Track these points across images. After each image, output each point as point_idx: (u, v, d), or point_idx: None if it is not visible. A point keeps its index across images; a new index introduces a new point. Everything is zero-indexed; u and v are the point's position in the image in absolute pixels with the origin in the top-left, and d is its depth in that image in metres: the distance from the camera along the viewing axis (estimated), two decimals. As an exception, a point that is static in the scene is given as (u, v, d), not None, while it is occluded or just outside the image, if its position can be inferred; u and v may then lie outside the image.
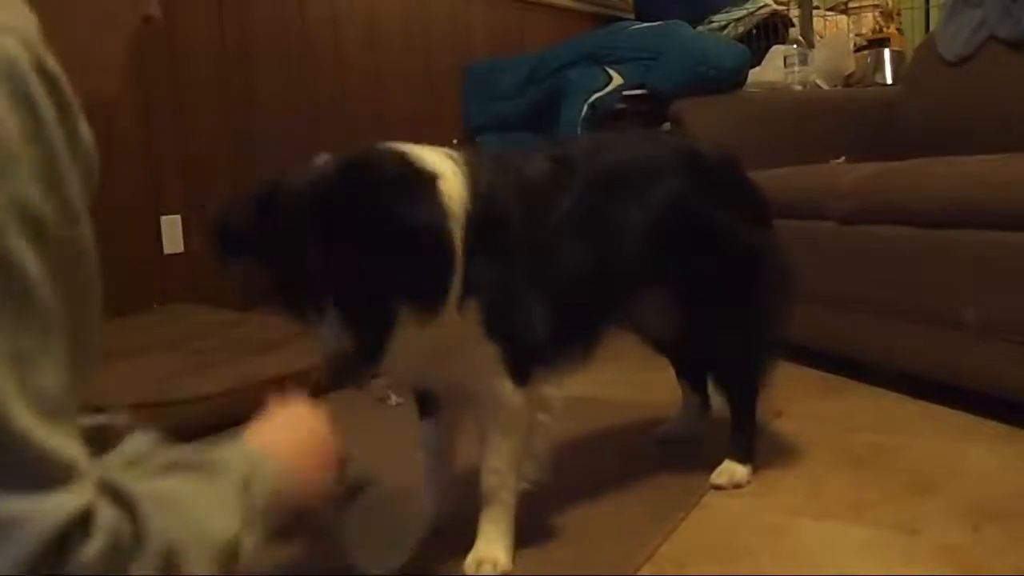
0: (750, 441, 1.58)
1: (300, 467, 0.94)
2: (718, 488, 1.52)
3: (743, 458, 1.56)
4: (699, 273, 1.48)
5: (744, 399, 1.58)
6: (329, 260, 1.05)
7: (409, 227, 1.05)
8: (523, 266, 1.25)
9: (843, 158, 2.68)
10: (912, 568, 1.23)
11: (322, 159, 1.11)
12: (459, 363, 1.23)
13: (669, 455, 1.71)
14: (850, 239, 2.13)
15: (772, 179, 2.52)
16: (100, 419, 0.92)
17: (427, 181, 1.09)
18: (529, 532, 1.35)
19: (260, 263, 1.11)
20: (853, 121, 2.99)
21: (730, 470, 1.54)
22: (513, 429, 1.27)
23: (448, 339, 1.17)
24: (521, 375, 1.25)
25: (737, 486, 1.52)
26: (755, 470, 1.57)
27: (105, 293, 0.71)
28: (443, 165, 1.16)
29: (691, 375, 1.75)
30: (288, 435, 0.97)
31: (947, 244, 1.86)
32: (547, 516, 1.43)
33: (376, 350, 1.10)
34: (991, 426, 1.78)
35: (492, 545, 1.26)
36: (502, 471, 1.27)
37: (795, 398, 2.04)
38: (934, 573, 1.21)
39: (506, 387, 1.24)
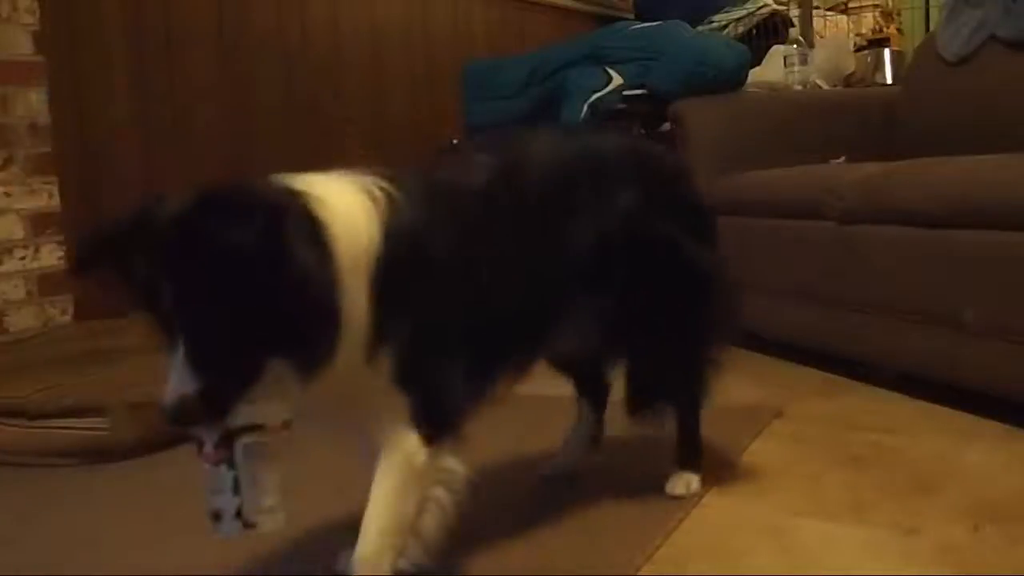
0: (698, 453, 1.56)
1: None
2: (678, 498, 1.49)
3: (694, 468, 1.54)
4: (646, 296, 1.40)
5: (692, 416, 1.56)
6: (179, 297, 0.96)
7: (266, 271, 0.94)
8: (447, 309, 1.14)
9: (843, 158, 2.68)
10: (912, 568, 1.22)
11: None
12: (365, 412, 1.13)
13: (669, 455, 1.70)
14: (850, 239, 2.12)
15: (772, 179, 2.54)
16: None
17: (298, 218, 0.98)
18: (528, 532, 1.35)
19: (121, 281, 1.02)
20: (853, 121, 2.98)
21: (686, 480, 1.52)
22: (408, 489, 1.13)
23: (357, 389, 1.08)
24: (431, 433, 1.13)
25: (695, 495, 1.50)
26: (752, 470, 1.60)
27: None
28: (347, 201, 1.06)
29: (593, 394, 1.63)
30: None
31: (947, 244, 1.85)
32: (546, 516, 1.43)
33: (224, 401, 0.98)
34: (991, 426, 1.78)
35: None
36: (384, 535, 1.12)
37: (795, 398, 2.04)
38: (934, 573, 1.20)
39: (411, 442, 1.12)
